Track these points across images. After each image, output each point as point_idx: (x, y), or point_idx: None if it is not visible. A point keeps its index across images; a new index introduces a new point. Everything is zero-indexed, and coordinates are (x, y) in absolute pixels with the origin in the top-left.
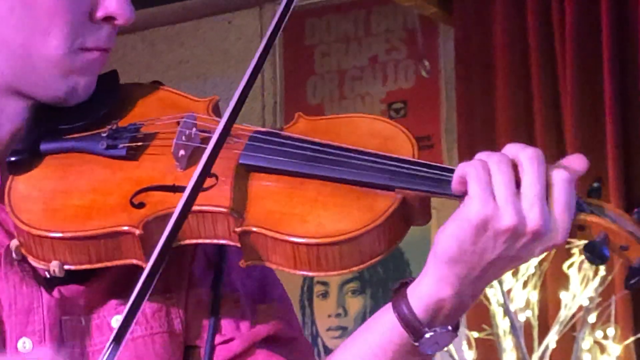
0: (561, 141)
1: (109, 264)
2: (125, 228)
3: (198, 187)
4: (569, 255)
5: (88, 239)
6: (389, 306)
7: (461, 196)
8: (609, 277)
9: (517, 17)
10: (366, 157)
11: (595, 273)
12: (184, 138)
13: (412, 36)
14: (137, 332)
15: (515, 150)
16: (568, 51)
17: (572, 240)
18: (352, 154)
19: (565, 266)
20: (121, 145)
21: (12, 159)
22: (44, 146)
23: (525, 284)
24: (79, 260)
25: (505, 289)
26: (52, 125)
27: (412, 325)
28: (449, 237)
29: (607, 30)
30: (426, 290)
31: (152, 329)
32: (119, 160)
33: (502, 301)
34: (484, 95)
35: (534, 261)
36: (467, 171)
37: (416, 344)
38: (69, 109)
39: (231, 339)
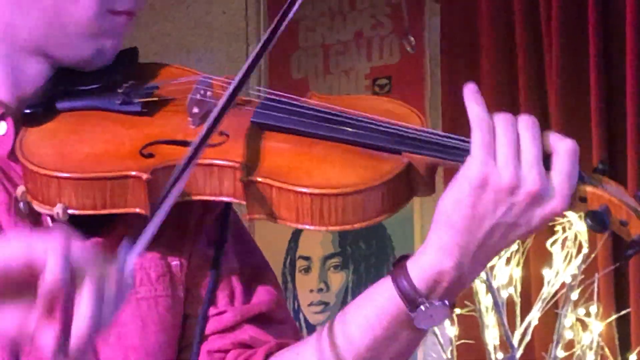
0: (545, 118)
1: (112, 210)
2: (134, 173)
3: (208, 135)
4: (552, 232)
5: (95, 181)
6: (387, 278)
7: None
8: (592, 255)
9: None
10: (375, 121)
11: (579, 251)
12: (198, 95)
13: (397, 12)
14: (142, 293)
15: (514, 119)
16: (553, 28)
17: (572, 211)
18: (362, 118)
19: (548, 243)
20: (136, 101)
21: (27, 111)
22: (60, 104)
23: (508, 261)
24: (84, 204)
25: (488, 265)
26: (69, 85)
27: (409, 296)
28: (449, 201)
29: (593, 8)
30: (427, 260)
31: (156, 291)
32: (133, 116)
33: (484, 278)
34: (469, 72)
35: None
36: (473, 132)
37: (412, 314)
38: (88, 73)
39: (224, 312)
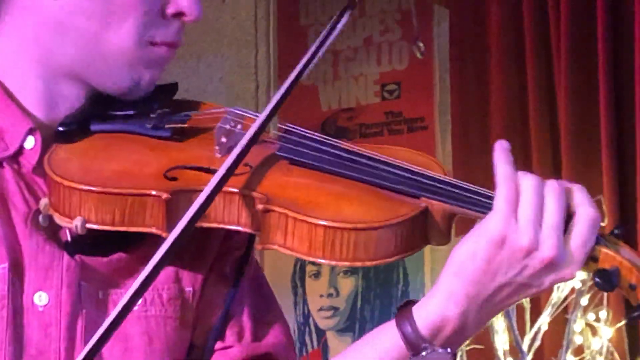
0: (555, 125)
1: (130, 228)
2: (154, 192)
3: (233, 167)
4: None
5: (116, 196)
6: (391, 322)
7: (485, 213)
8: None
9: (512, 0)
10: (397, 166)
11: None
12: (228, 126)
13: (406, 18)
14: (152, 311)
15: (541, 182)
16: (562, 34)
17: (582, 270)
18: (383, 161)
19: None
20: (167, 126)
21: (61, 128)
22: (94, 126)
23: None
24: (102, 219)
25: None
26: (106, 108)
27: (412, 341)
28: (465, 252)
29: (602, 14)
30: (433, 305)
31: (166, 312)
32: (162, 140)
33: None
34: (478, 78)
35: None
36: (498, 188)
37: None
38: (123, 100)
39: (231, 346)
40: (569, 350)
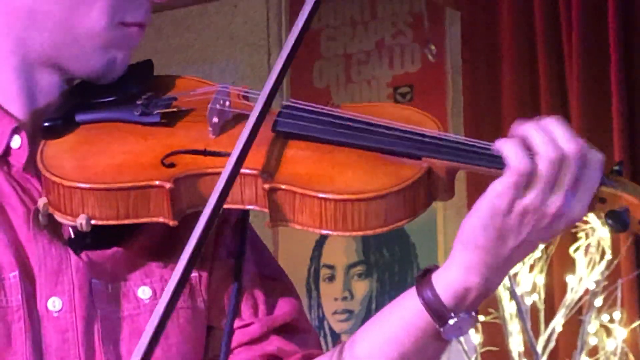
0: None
1: (135, 220)
2: (156, 182)
3: (244, 156)
4: (575, 238)
5: (118, 191)
6: (412, 291)
7: (487, 167)
8: (615, 261)
9: (524, 2)
10: (394, 127)
11: (602, 257)
12: (218, 105)
13: (418, 20)
14: None
15: (561, 151)
16: (574, 36)
17: (593, 212)
18: (381, 124)
19: (571, 250)
20: (155, 112)
21: (47, 124)
22: (78, 116)
23: (531, 268)
24: (107, 215)
25: (512, 272)
26: (86, 98)
27: (437, 311)
28: (475, 224)
29: (613, 16)
30: (454, 277)
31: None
32: (152, 127)
33: (508, 285)
34: (490, 80)
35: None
36: (505, 149)
37: (440, 329)
38: (105, 86)
39: (250, 324)
40: (584, 352)
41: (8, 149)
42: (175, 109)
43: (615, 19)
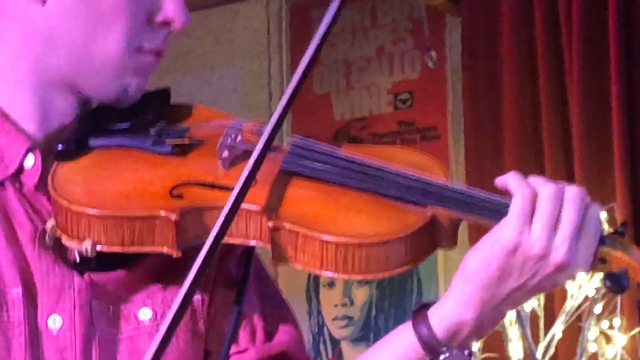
0: (567, 133)
1: (140, 249)
2: (163, 213)
3: (245, 190)
4: None
5: (125, 219)
6: (408, 325)
7: (491, 218)
8: None
9: (524, 9)
10: (402, 174)
11: None
12: (229, 140)
13: (418, 27)
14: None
15: (562, 186)
16: (574, 42)
17: (592, 271)
18: (389, 170)
19: None
20: (167, 142)
21: (61, 147)
22: (92, 141)
23: None
24: (112, 241)
25: None
26: (101, 123)
27: (430, 345)
28: (478, 258)
29: (613, 23)
30: (449, 311)
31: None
32: (163, 156)
33: None
34: (491, 87)
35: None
36: (515, 195)
37: None
38: (119, 111)
39: (246, 350)
40: (583, 358)
41: (21, 167)
42: (186, 141)
43: (616, 24)
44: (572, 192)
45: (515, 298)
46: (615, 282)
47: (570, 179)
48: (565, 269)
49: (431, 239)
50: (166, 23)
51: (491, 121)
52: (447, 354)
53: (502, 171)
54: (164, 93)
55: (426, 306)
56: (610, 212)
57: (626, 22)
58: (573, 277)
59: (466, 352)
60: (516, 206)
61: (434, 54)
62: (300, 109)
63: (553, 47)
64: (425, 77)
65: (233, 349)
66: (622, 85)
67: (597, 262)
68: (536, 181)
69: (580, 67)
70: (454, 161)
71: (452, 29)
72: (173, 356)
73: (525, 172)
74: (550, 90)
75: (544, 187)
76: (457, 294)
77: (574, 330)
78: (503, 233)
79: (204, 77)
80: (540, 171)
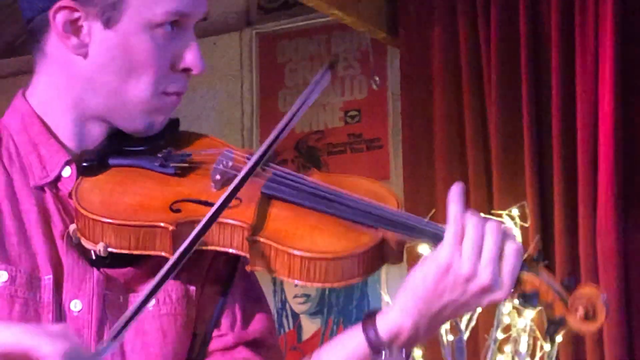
0: (487, 142)
1: (144, 252)
2: (162, 224)
3: (225, 204)
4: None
5: (132, 228)
6: (358, 327)
7: (430, 241)
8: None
9: (451, 43)
10: (359, 201)
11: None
12: (221, 166)
13: (365, 56)
14: (164, 310)
15: (485, 219)
16: (493, 71)
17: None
18: (349, 198)
19: None
20: (171, 165)
21: (85, 164)
22: (111, 160)
23: None
24: (121, 245)
25: None
26: (120, 145)
27: (374, 344)
28: (419, 275)
29: (525, 54)
30: (391, 317)
31: (176, 310)
32: (167, 176)
33: None
34: (424, 106)
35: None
36: (448, 225)
37: (375, 358)
38: (135, 137)
39: (225, 334)
40: (499, 329)
41: (59, 176)
42: (187, 164)
43: (527, 54)
44: (492, 224)
45: (447, 312)
46: (527, 301)
47: (489, 180)
48: (488, 291)
49: (380, 256)
50: (186, 70)
51: (425, 134)
52: (387, 352)
53: (434, 174)
54: (175, 122)
55: (374, 313)
56: (521, 208)
57: (535, 54)
58: (498, 300)
59: (403, 355)
60: (450, 232)
61: (377, 78)
62: (267, 122)
63: (475, 74)
64: (370, 97)
65: (215, 332)
66: (531, 104)
67: (517, 286)
68: (467, 214)
69: (497, 90)
70: (393, 166)
71: (393, 58)
72: (171, 335)
73: (452, 175)
74: (472, 109)
75: (470, 218)
76: (399, 304)
77: (492, 305)
78: (439, 254)
79: (187, 97)
80: (464, 175)
